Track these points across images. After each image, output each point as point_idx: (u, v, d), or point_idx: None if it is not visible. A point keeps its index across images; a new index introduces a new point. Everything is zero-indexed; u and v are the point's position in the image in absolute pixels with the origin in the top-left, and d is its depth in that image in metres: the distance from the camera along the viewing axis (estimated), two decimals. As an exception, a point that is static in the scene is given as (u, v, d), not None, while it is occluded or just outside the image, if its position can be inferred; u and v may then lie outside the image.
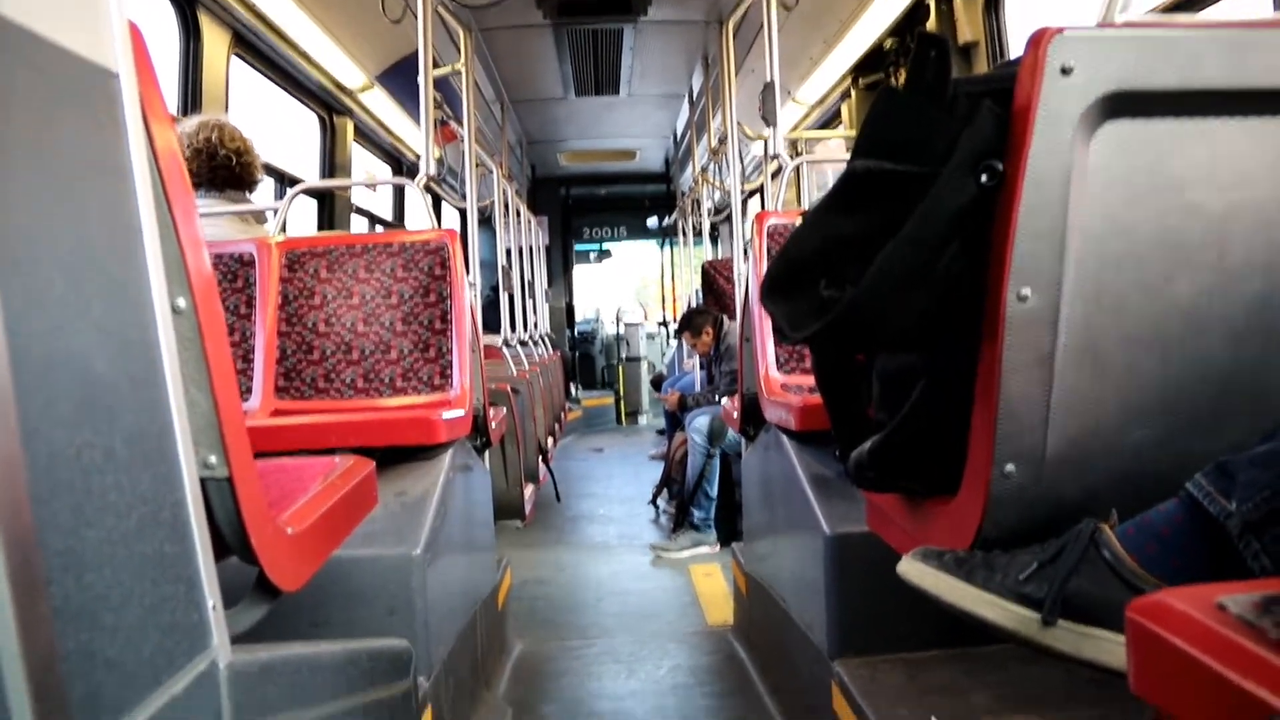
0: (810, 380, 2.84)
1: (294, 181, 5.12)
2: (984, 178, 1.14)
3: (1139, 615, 0.77)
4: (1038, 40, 1.12)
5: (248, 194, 3.28)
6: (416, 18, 3.58)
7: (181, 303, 1.05)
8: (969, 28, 4.25)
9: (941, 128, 1.17)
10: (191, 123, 3.13)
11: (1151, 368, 1.17)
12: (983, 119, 1.16)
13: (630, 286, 17.23)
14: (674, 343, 10.51)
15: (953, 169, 1.15)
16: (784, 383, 2.95)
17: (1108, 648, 1.05)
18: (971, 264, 1.18)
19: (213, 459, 1.09)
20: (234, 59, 4.38)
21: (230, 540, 1.14)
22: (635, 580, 4.59)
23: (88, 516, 0.80)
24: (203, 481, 1.07)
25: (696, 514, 5.06)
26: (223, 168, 3.11)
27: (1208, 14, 2.79)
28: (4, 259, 0.71)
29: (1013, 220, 1.13)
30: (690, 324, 5.99)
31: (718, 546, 5.00)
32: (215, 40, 4.16)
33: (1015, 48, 4.15)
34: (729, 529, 5.00)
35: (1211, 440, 1.18)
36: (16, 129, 0.75)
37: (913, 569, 1.25)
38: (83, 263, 0.85)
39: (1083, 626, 1.08)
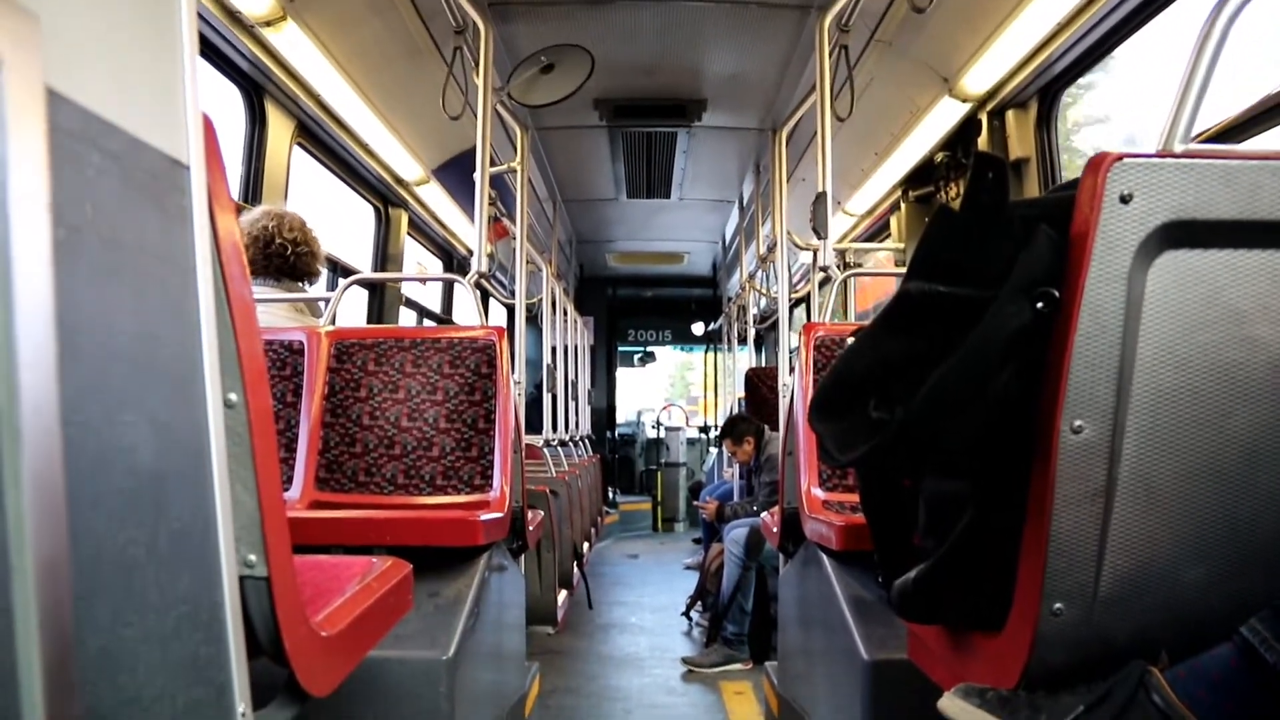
0: (853, 498, 2.79)
1: (347, 271, 5.20)
2: (1040, 304, 1.13)
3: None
4: (1096, 165, 1.12)
5: (306, 284, 3.33)
6: (476, 115, 3.68)
7: (233, 397, 1.06)
8: (1020, 144, 4.29)
9: (997, 251, 1.17)
10: (256, 212, 3.20)
11: (1207, 504, 1.14)
12: (1040, 244, 1.15)
13: (664, 375, 17.16)
14: (714, 450, 10.43)
15: (1008, 293, 1.14)
16: (826, 499, 2.90)
17: None
18: (1025, 390, 1.16)
19: (253, 558, 1.08)
20: (296, 148, 4.50)
21: (264, 642, 1.12)
22: (665, 694, 4.48)
23: (126, 616, 0.79)
24: (241, 580, 1.06)
25: (730, 628, 4.95)
26: (277, 256, 3.15)
27: (1266, 140, 2.78)
28: (67, 346, 0.71)
29: (1068, 349, 1.11)
30: (732, 431, 5.95)
31: (750, 663, 4.88)
32: (280, 129, 4.29)
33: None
34: (763, 645, 4.89)
35: (1269, 581, 1.14)
36: (88, 217, 0.76)
37: (954, 706, 1.21)
38: (141, 353, 0.85)
39: None
